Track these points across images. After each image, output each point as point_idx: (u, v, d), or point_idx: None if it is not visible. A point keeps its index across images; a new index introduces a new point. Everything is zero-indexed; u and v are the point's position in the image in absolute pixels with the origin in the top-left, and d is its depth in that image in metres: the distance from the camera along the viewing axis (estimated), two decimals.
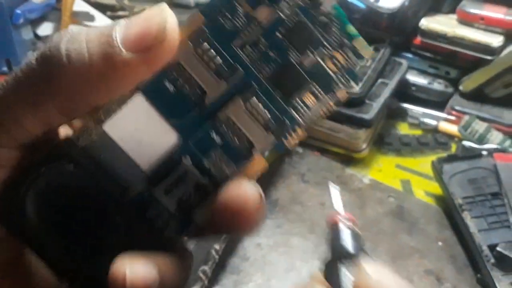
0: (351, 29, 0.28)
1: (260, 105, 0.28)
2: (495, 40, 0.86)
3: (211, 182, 0.29)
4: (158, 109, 0.28)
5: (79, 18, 1.01)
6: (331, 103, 0.29)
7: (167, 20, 0.25)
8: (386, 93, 0.86)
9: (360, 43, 0.28)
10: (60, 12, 0.99)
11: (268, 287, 0.66)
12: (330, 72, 0.28)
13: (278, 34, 0.28)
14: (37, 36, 1.00)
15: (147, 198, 0.29)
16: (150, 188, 0.29)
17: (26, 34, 0.97)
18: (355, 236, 0.25)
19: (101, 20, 1.03)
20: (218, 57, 0.28)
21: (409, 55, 0.96)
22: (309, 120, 0.29)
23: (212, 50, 0.27)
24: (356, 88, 0.83)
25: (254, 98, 0.28)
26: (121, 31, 0.26)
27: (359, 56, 0.28)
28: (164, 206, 0.29)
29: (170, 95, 0.28)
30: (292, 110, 0.28)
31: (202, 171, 0.29)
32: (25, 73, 0.26)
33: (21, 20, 0.93)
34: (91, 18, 1.03)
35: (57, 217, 0.28)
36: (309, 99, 0.29)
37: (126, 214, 0.29)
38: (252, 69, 0.28)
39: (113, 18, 1.05)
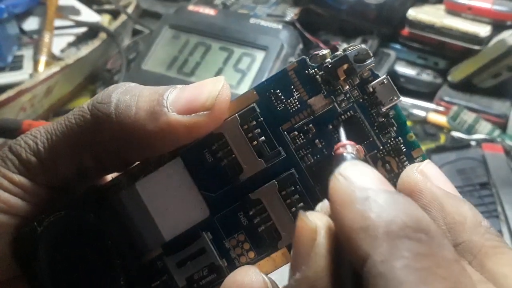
0: (412, 137, 0.26)
1: (296, 195, 0.27)
2: (483, 30, 0.86)
3: (227, 266, 0.27)
4: (193, 177, 0.27)
5: (65, 12, 1.00)
6: None
7: (219, 91, 0.26)
8: None
9: (419, 153, 0.26)
10: (45, 6, 0.98)
11: None
12: None
13: (329, 125, 0.26)
14: (22, 31, 0.99)
15: (159, 267, 0.28)
16: (164, 256, 0.27)
17: (11, 28, 0.95)
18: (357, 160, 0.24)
19: (87, 14, 1.02)
20: (263, 137, 0.27)
21: (397, 46, 0.95)
22: None
23: (259, 129, 0.27)
24: None
25: (291, 186, 0.27)
26: (174, 93, 0.26)
27: None
28: (174, 280, 0.27)
29: (207, 166, 0.27)
30: None
31: (221, 252, 0.27)
32: (76, 117, 0.26)
33: (6, 15, 0.92)
34: (76, 12, 1.02)
35: (64, 265, 0.27)
36: None
37: (132, 279, 0.27)
38: (295, 155, 0.27)
39: (99, 11, 1.04)
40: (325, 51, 0.26)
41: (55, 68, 0.87)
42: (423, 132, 0.87)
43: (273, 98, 0.27)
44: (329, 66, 0.26)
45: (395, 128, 0.26)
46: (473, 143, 0.78)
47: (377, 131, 0.26)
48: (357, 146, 0.25)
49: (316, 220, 0.22)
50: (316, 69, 0.26)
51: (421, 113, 0.89)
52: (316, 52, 0.26)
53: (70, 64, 0.89)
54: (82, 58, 0.91)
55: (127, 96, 0.26)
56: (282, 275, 0.26)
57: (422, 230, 0.19)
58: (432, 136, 0.87)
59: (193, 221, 0.27)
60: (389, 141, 0.26)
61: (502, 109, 0.86)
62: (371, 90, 0.26)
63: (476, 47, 0.87)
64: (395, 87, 0.26)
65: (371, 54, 0.26)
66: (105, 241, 0.27)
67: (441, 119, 0.87)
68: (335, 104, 0.26)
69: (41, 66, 0.91)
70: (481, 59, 0.87)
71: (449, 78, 0.91)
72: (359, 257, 0.19)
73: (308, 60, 0.26)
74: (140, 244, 0.28)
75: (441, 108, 0.89)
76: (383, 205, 0.20)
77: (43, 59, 0.92)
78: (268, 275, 0.27)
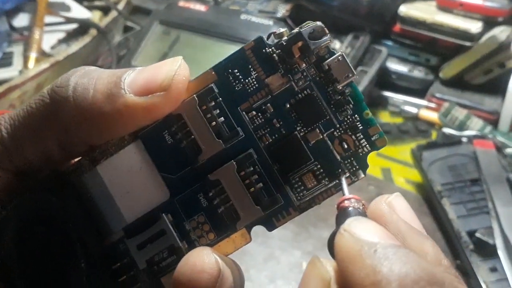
0: (368, 114, 0.26)
1: (255, 175, 0.26)
2: (474, 26, 0.85)
3: (187, 248, 0.27)
4: (153, 160, 0.27)
5: (55, 8, 1.00)
6: (333, 190, 0.26)
7: (176, 71, 0.25)
8: (365, 81, 0.85)
9: (375, 131, 0.26)
10: (35, 3, 0.98)
11: (247, 277, 0.66)
12: (337, 156, 0.26)
13: (287, 104, 0.26)
14: (12, 28, 0.98)
15: (120, 250, 0.27)
16: (125, 238, 0.27)
17: (1, 25, 0.95)
18: (362, 215, 0.24)
19: (77, 10, 1.02)
20: (221, 117, 0.26)
21: (389, 43, 0.95)
22: (305, 203, 0.26)
23: (217, 109, 0.26)
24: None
25: (250, 166, 0.26)
26: (132, 75, 0.26)
27: (372, 145, 0.26)
28: (134, 262, 0.27)
29: (167, 148, 0.27)
30: (288, 188, 0.26)
31: (181, 234, 0.27)
32: (36, 102, 0.26)
33: None
34: (67, 8, 1.01)
35: (29, 248, 0.27)
36: (309, 180, 0.26)
37: (94, 262, 0.27)
38: (254, 135, 0.26)
39: (90, 8, 1.03)
40: (282, 30, 0.26)
41: (45, 65, 0.87)
42: (414, 128, 0.87)
43: (231, 78, 0.26)
44: (284, 43, 0.26)
45: (351, 106, 0.26)
46: (464, 139, 0.77)
47: (333, 109, 0.26)
48: (363, 201, 0.25)
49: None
50: (273, 47, 0.26)
51: (413, 110, 0.89)
52: (274, 30, 0.26)
53: (60, 61, 0.89)
54: (73, 55, 0.91)
55: (85, 79, 0.26)
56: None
57: (437, 283, 0.19)
58: (424, 132, 0.87)
59: (154, 203, 0.27)
60: (346, 119, 0.26)
61: (493, 105, 0.86)
62: (327, 67, 0.26)
63: (468, 44, 0.86)
64: (350, 64, 0.25)
65: (327, 32, 0.25)
66: (66, 224, 0.27)
67: (433, 116, 0.87)
68: (292, 82, 0.26)
69: (31, 63, 0.91)
70: (473, 55, 0.86)
71: (441, 74, 0.91)
72: None
73: (265, 38, 0.26)
74: (103, 227, 0.27)
75: (432, 105, 0.89)
76: (394, 258, 0.20)
77: (33, 55, 0.92)
78: (228, 256, 0.27)
